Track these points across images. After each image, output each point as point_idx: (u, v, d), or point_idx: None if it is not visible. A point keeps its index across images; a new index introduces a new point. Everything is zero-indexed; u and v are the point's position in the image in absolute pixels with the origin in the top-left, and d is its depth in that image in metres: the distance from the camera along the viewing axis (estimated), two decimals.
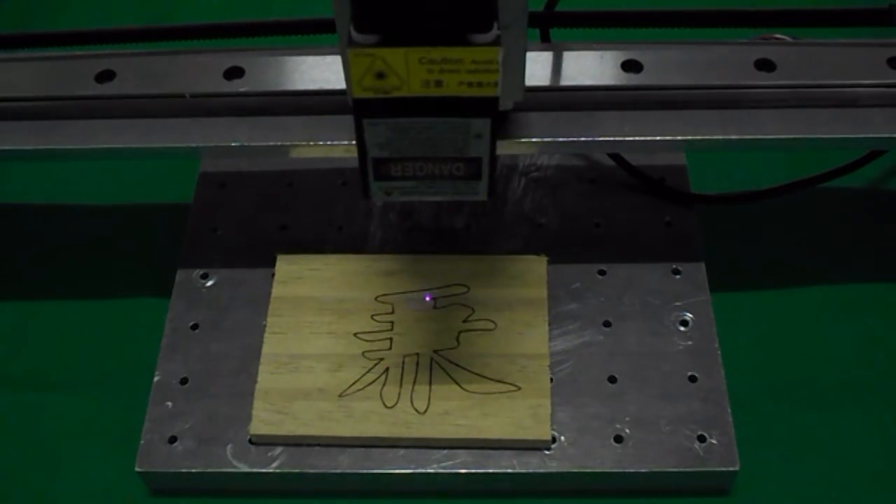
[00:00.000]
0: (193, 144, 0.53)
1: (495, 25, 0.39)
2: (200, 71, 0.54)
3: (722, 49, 0.54)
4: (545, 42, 0.56)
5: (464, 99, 0.41)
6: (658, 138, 0.52)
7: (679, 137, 0.52)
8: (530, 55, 0.53)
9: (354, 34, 0.39)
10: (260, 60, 0.54)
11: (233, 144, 0.52)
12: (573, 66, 0.53)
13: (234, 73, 0.54)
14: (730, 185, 0.63)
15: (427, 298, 0.56)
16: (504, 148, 0.52)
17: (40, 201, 0.67)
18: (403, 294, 0.57)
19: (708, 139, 0.52)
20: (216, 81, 0.54)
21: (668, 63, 0.53)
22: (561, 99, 0.53)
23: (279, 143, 0.52)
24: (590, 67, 0.53)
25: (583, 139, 0.52)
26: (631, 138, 0.52)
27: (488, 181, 0.46)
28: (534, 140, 0.52)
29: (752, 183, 0.62)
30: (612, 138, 0.52)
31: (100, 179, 0.68)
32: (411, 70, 0.40)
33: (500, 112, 0.49)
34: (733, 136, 0.51)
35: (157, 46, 0.56)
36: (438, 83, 0.40)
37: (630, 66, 0.53)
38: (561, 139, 0.52)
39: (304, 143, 0.52)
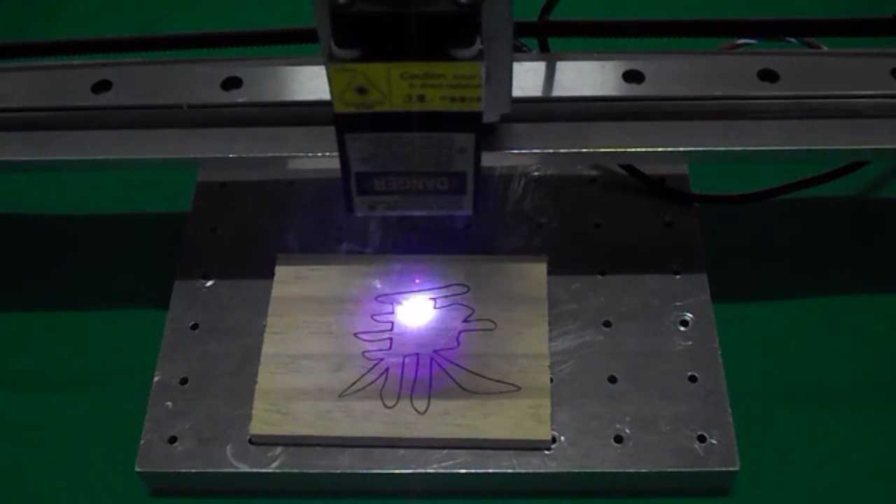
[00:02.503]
0: (191, 156, 0.52)
1: (478, 40, 0.39)
2: (198, 81, 0.54)
3: (724, 59, 0.54)
4: (544, 52, 0.55)
5: (447, 114, 0.41)
6: (660, 149, 0.51)
7: (681, 148, 0.51)
8: (531, 65, 0.54)
9: (335, 49, 0.39)
10: (258, 71, 0.54)
11: (231, 156, 0.52)
12: (574, 76, 0.53)
13: (232, 83, 0.54)
14: (730, 186, 0.63)
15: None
16: (504, 160, 0.52)
17: (38, 210, 0.67)
18: (403, 294, 0.57)
19: (710, 150, 0.51)
20: (214, 92, 0.53)
21: (670, 73, 0.53)
22: (562, 109, 0.53)
23: (277, 155, 0.52)
24: (591, 78, 0.53)
25: (584, 150, 0.52)
26: (633, 149, 0.51)
27: (473, 195, 0.45)
28: (535, 151, 0.52)
29: (752, 184, 0.62)
30: (613, 149, 0.52)
31: (97, 188, 0.68)
32: (393, 85, 0.40)
33: (487, 124, 0.49)
34: (736, 148, 0.51)
35: (154, 56, 0.55)
36: (420, 98, 0.40)
37: (632, 76, 0.53)
38: (562, 150, 0.52)
39: (302, 154, 0.52)
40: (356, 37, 0.39)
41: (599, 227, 0.61)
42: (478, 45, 0.39)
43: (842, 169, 0.60)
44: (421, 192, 0.45)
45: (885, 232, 0.63)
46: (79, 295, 0.62)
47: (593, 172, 0.63)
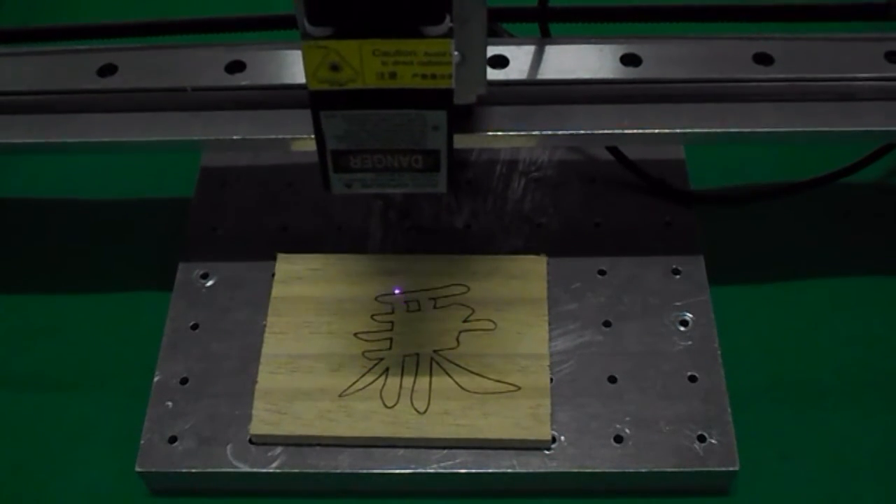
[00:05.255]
0: (195, 138, 0.53)
1: (448, 18, 0.39)
2: (202, 65, 0.54)
3: (720, 43, 0.54)
4: (545, 36, 0.56)
5: (418, 91, 0.42)
6: (657, 131, 0.52)
7: (678, 130, 0.52)
8: (530, 48, 0.54)
9: (308, 26, 0.40)
10: (261, 54, 0.55)
11: (234, 138, 0.53)
12: (572, 59, 0.54)
13: (236, 66, 0.54)
14: (729, 178, 0.63)
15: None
16: (506, 141, 0.53)
17: (42, 195, 0.67)
18: (404, 294, 0.57)
19: (706, 132, 0.52)
20: (218, 75, 0.54)
21: (667, 57, 0.54)
22: (560, 92, 0.53)
23: (280, 137, 0.52)
24: (589, 61, 0.54)
25: (582, 132, 0.52)
26: (630, 131, 0.52)
27: (447, 173, 0.46)
28: (534, 133, 0.52)
29: (750, 177, 0.62)
30: (610, 131, 0.52)
31: (101, 173, 0.68)
32: (365, 62, 0.40)
33: (464, 106, 0.49)
34: (731, 129, 0.52)
35: (158, 41, 0.56)
36: (392, 75, 0.41)
37: (629, 59, 0.54)
38: (560, 132, 0.52)
39: (305, 136, 0.52)
40: (329, 14, 0.39)
41: (599, 226, 0.61)
42: (447, 23, 0.40)
43: (842, 170, 0.60)
44: (396, 169, 0.46)
45: (885, 233, 0.63)
46: (78, 294, 0.62)
47: (593, 172, 0.63)
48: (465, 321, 0.55)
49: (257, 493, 0.53)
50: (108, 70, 0.54)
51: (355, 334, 0.55)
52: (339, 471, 0.51)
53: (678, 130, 0.52)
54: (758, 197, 0.62)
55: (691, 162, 0.63)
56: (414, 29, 0.40)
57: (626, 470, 0.51)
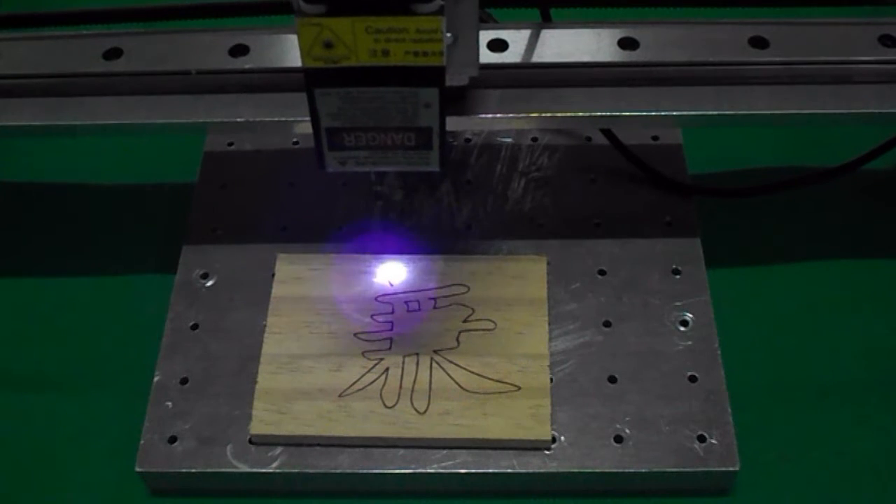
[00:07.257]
0: (199, 120, 0.53)
1: None
2: (206, 49, 0.55)
3: (716, 27, 0.55)
4: (546, 21, 0.56)
5: (410, 68, 0.42)
6: (653, 113, 0.52)
7: (674, 113, 0.52)
8: (529, 32, 0.54)
9: (302, 4, 0.40)
10: (264, 38, 0.55)
11: (238, 120, 0.53)
12: (571, 43, 0.54)
13: (239, 50, 0.55)
14: (726, 166, 0.63)
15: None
16: (508, 123, 0.53)
17: (48, 179, 0.68)
18: (403, 294, 0.57)
19: (702, 114, 0.52)
20: (221, 59, 0.54)
21: (664, 40, 0.54)
22: (558, 75, 0.53)
23: (283, 119, 0.53)
24: (587, 44, 0.54)
25: (580, 114, 0.52)
26: (627, 113, 0.52)
27: (440, 151, 0.47)
28: (532, 115, 0.52)
29: (747, 164, 0.62)
30: (608, 113, 0.52)
31: (103, 159, 0.68)
32: (358, 39, 0.41)
33: (462, 87, 0.50)
34: (727, 112, 0.52)
35: (163, 25, 0.56)
36: (385, 52, 0.42)
37: (627, 43, 0.54)
38: (559, 114, 0.52)
39: (307, 118, 0.52)
40: None
41: (599, 226, 0.61)
42: (439, 1, 0.40)
43: (842, 168, 0.60)
44: (389, 147, 0.47)
45: (886, 232, 0.63)
46: (78, 294, 0.62)
47: (593, 172, 0.63)
48: (465, 321, 0.55)
49: (257, 493, 0.53)
50: (113, 54, 0.55)
51: (355, 334, 0.55)
52: (339, 471, 0.51)
53: (675, 113, 0.52)
54: (757, 192, 0.62)
55: (689, 149, 0.63)
56: (405, 6, 0.40)
57: (626, 470, 0.51)
